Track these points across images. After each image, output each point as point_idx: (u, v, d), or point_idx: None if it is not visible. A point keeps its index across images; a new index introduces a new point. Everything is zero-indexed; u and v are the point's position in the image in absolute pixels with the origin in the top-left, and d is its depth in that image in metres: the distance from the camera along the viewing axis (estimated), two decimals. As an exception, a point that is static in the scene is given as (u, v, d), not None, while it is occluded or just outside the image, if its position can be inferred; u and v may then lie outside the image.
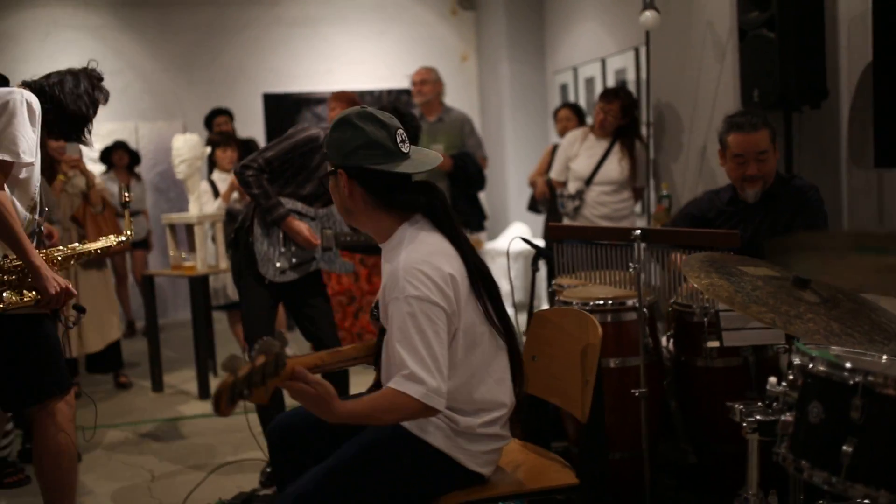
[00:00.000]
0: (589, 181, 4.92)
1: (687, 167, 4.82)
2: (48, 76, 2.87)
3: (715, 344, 3.04)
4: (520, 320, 4.45)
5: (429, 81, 5.73)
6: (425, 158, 2.21)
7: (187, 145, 5.17)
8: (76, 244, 3.02)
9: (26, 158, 2.60)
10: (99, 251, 3.05)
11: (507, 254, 3.68)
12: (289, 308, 3.91)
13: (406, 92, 8.47)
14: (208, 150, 5.38)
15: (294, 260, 3.68)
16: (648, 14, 4.46)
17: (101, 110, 3.00)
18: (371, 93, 8.37)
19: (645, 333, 3.12)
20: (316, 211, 3.75)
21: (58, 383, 2.88)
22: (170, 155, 5.39)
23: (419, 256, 2.09)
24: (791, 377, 1.70)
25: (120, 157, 6.78)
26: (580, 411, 2.31)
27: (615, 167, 4.92)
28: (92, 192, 5.12)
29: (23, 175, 2.68)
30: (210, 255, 5.39)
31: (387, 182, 2.15)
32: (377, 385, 2.32)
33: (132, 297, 7.31)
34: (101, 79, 2.99)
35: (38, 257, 2.66)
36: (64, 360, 2.94)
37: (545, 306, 5.68)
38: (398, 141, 2.15)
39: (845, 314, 2.06)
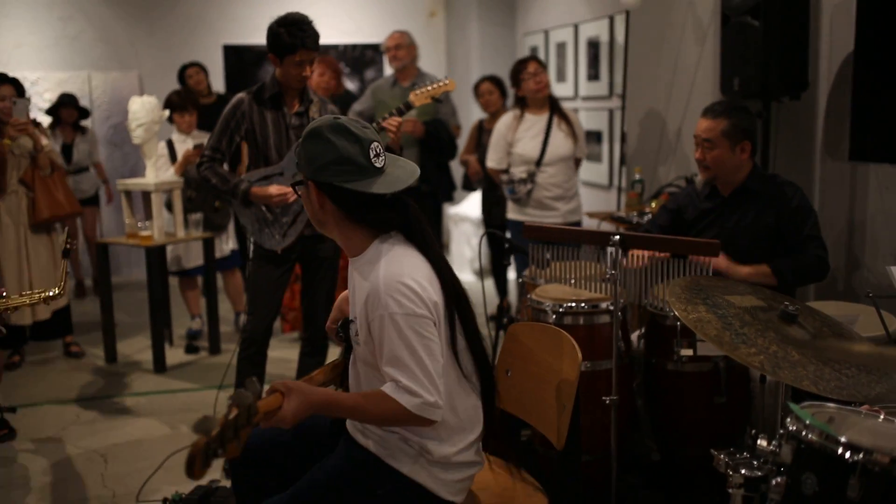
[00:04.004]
0: (539, 162, 4.78)
1: (660, 152, 4.73)
2: None
3: (689, 352, 3.00)
4: (484, 285, 4.35)
5: (403, 46, 5.51)
6: (401, 174, 2.08)
7: (145, 108, 4.93)
8: None
9: None
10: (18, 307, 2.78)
11: (479, 249, 3.56)
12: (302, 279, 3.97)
13: (372, 47, 8.23)
14: (166, 113, 5.15)
15: (284, 219, 3.62)
16: (630, -7, 4.32)
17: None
18: (335, 47, 8.12)
19: (618, 338, 3.06)
20: (280, 165, 3.68)
21: None
22: (124, 106, 5.15)
23: (400, 270, 1.99)
24: (783, 440, 1.63)
25: (69, 113, 6.48)
26: (556, 437, 2.24)
27: (563, 142, 4.79)
28: (40, 155, 4.87)
29: None
30: (167, 223, 5.21)
31: (358, 200, 2.04)
32: None
33: (80, 254, 7.10)
34: None
35: None
36: None
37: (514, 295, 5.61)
38: (371, 156, 2.02)
39: (833, 352, 2.00)
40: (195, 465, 1.63)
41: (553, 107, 4.82)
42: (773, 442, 1.66)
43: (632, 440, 3.67)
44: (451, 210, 7.41)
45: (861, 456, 1.48)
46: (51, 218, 4.92)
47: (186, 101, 5.40)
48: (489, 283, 6.25)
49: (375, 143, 2.05)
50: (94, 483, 3.61)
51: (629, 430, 3.49)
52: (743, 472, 1.74)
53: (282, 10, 3.67)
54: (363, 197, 2.03)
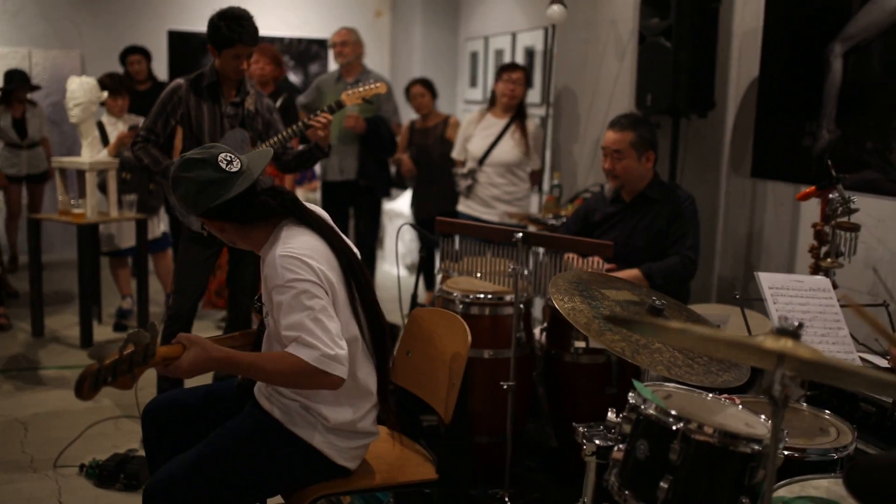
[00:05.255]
0: (482, 161, 5.02)
1: (581, 159, 4.99)
2: None
3: (581, 344, 3.24)
4: (411, 282, 4.58)
5: (349, 43, 5.68)
6: (255, 164, 2.29)
7: (83, 88, 5.02)
8: None
9: None
10: None
11: (396, 242, 3.76)
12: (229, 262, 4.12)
13: (318, 42, 8.37)
14: (104, 94, 5.23)
15: None
16: (556, 8, 4.55)
17: None
18: (282, 40, 8.24)
19: (519, 329, 3.28)
20: None
21: None
22: (64, 85, 5.22)
23: (292, 246, 2.19)
24: (626, 413, 1.87)
25: (23, 91, 6.51)
26: (444, 411, 2.45)
27: (509, 149, 5.01)
28: None
29: None
30: (101, 203, 5.30)
31: (235, 206, 2.24)
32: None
33: (22, 230, 7.10)
34: None
35: None
36: None
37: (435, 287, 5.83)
38: (224, 166, 2.22)
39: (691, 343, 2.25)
40: (84, 387, 1.83)
41: (516, 115, 5.04)
42: (621, 415, 1.90)
43: (532, 427, 3.91)
44: (387, 206, 7.59)
45: (682, 424, 1.72)
46: None
47: (119, 84, 5.49)
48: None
49: (222, 154, 2.24)
50: (13, 449, 3.71)
51: (529, 416, 3.73)
52: (596, 441, 1.97)
53: (228, 1, 3.81)
54: (235, 201, 2.22)
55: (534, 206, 5.62)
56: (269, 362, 2.11)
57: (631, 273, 3.34)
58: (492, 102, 5.15)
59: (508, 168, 5.03)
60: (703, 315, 2.64)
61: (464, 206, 5.18)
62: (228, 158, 2.23)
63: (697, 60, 4.09)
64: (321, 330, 2.09)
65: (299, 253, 2.16)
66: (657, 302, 2.34)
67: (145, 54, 6.56)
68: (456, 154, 5.27)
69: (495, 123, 5.05)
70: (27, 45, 7.55)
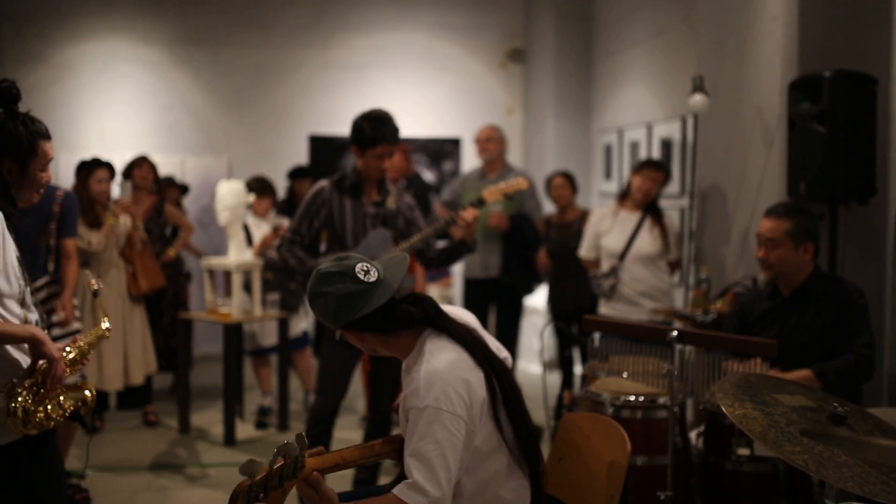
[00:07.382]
0: (623, 256, 4.84)
1: (728, 251, 4.77)
2: None
3: (746, 452, 3.00)
4: (549, 380, 4.43)
5: (493, 139, 5.75)
6: (393, 273, 2.23)
7: (231, 193, 5.23)
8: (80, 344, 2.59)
9: None
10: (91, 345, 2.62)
11: (542, 341, 3.65)
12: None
13: (451, 141, 8.53)
14: (252, 197, 5.44)
15: None
16: (698, 97, 4.44)
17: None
18: (416, 140, 8.44)
19: (675, 433, 3.08)
20: (356, 251, 3.82)
21: None
22: (214, 189, 5.47)
23: (438, 366, 2.13)
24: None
25: (173, 192, 6.84)
26: (603, 526, 2.28)
27: (648, 240, 4.82)
28: (135, 233, 5.23)
29: None
30: (245, 302, 5.44)
31: (376, 317, 2.19)
32: (400, 478, 2.32)
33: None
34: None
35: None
36: (65, 489, 2.67)
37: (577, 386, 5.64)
38: (361, 277, 2.17)
39: (883, 455, 2.02)
40: None
41: (649, 208, 4.89)
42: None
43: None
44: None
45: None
46: (150, 290, 5.29)
47: (264, 186, 5.75)
48: (556, 375, 6.27)
49: (359, 265, 2.19)
50: (159, 549, 3.74)
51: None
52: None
53: (365, 104, 3.92)
54: (377, 313, 2.18)
55: (678, 299, 5.40)
56: None
57: (801, 374, 3.09)
58: (623, 195, 5.01)
59: (651, 260, 4.84)
60: (889, 421, 2.38)
61: (607, 309, 4.91)
62: (365, 269, 2.19)
63: (855, 144, 3.86)
64: (442, 468, 2.03)
65: (443, 375, 2.10)
66: (839, 409, 2.12)
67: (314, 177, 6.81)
68: (585, 252, 5.05)
69: (629, 218, 4.89)
70: (181, 153, 8.04)
